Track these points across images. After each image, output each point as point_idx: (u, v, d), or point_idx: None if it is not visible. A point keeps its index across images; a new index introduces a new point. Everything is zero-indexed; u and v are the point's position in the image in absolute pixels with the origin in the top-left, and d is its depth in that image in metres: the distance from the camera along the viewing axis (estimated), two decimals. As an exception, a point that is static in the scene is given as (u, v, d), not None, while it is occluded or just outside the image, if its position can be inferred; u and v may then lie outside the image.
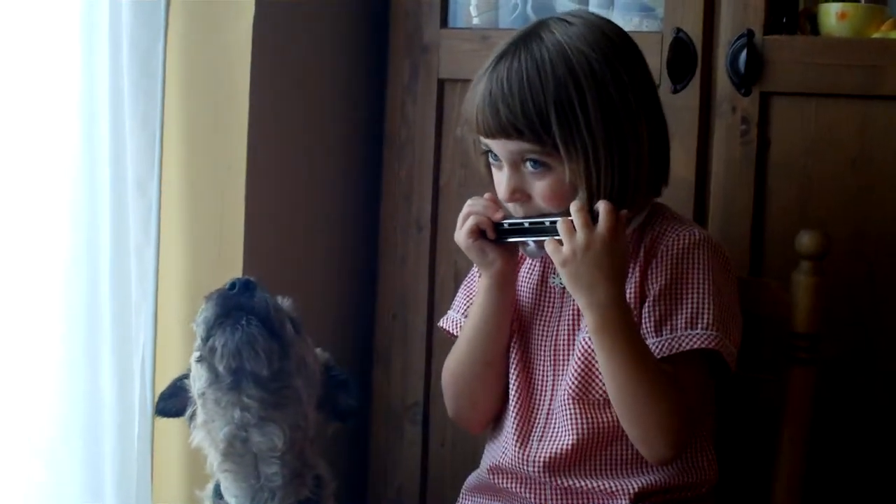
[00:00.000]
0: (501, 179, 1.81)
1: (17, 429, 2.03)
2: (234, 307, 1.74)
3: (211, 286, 2.22)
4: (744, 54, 2.10)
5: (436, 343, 2.38)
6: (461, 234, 1.84)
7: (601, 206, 1.72)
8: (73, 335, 2.10)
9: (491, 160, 1.84)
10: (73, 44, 2.07)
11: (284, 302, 1.83)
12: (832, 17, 2.11)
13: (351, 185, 2.49)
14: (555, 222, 1.74)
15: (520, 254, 1.92)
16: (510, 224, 1.82)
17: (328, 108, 2.45)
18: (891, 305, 2.05)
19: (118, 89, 2.13)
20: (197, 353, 1.77)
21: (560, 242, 1.73)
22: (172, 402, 1.88)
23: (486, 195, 1.85)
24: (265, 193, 2.28)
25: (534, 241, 1.81)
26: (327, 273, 2.47)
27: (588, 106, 1.74)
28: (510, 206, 1.83)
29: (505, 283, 1.87)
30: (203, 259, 2.26)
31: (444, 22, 2.40)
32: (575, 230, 1.72)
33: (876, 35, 2.09)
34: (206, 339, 1.74)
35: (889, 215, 2.04)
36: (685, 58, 2.16)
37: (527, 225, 1.80)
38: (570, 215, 1.73)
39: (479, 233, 1.83)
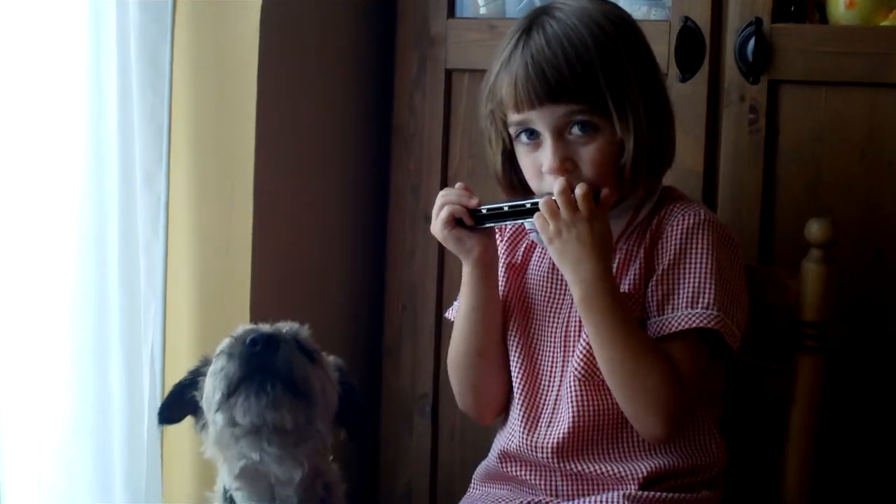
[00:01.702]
0: (543, 154, 1.81)
1: (27, 427, 2.04)
2: (257, 369, 1.71)
3: (219, 281, 2.24)
4: (752, 43, 2.09)
5: (445, 335, 2.38)
6: (437, 225, 1.85)
7: (577, 191, 1.74)
8: (82, 331, 2.10)
9: (525, 141, 1.83)
10: (81, 38, 2.08)
11: (301, 330, 1.81)
12: (840, 5, 2.10)
13: (359, 177, 2.49)
14: (535, 204, 1.77)
15: (527, 241, 1.94)
16: (488, 209, 1.83)
17: (336, 101, 2.45)
18: (900, 293, 2.05)
19: (126, 83, 2.13)
20: (216, 405, 1.73)
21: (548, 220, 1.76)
22: (174, 410, 1.86)
23: (459, 184, 1.86)
24: (273, 187, 2.28)
25: (513, 223, 1.86)
26: (336, 266, 2.47)
27: (625, 63, 1.78)
28: (548, 181, 1.81)
29: (487, 270, 1.88)
30: (211, 253, 2.26)
31: (451, 12, 2.40)
32: (558, 209, 1.74)
33: (884, 23, 2.08)
34: (227, 397, 1.72)
35: (898, 202, 2.04)
36: (693, 46, 2.15)
37: (506, 209, 1.82)
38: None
39: (454, 222, 1.84)
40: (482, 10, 2.41)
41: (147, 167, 2.18)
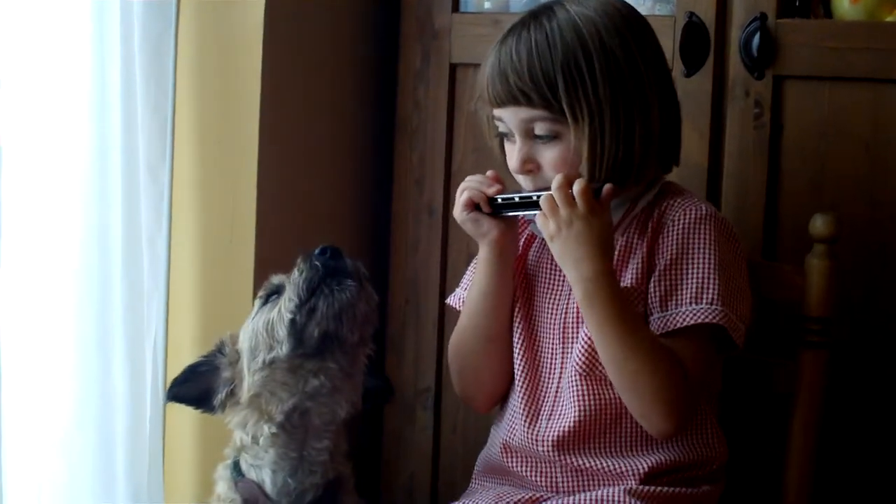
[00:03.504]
0: (513, 152, 1.83)
1: (31, 418, 2.04)
2: (333, 271, 1.79)
3: (223, 273, 2.24)
4: (757, 38, 2.09)
5: (448, 328, 2.37)
6: (456, 208, 1.88)
7: (574, 187, 1.74)
8: (85, 325, 2.10)
9: (504, 134, 1.86)
10: (85, 31, 2.07)
11: (358, 265, 1.87)
12: (845, 0, 2.10)
13: (363, 171, 2.49)
14: (541, 197, 1.77)
15: (527, 232, 1.95)
16: (503, 199, 1.84)
17: (340, 94, 2.44)
18: (904, 288, 2.05)
19: (130, 76, 2.13)
20: (289, 315, 1.78)
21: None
22: (186, 387, 1.88)
23: (489, 172, 1.88)
24: (277, 180, 2.28)
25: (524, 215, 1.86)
26: (339, 259, 2.46)
27: (596, 73, 1.77)
28: (521, 179, 1.84)
29: (502, 255, 1.89)
30: (215, 246, 2.26)
31: (455, 6, 2.40)
32: (557, 206, 1.74)
33: (889, 18, 2.07)
34: (304, 301, 1.77)
35: (902, 198, 2.04)
36: (698, 42, 2.15)
37: (517, 199, 1.83)
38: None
39: (473, 206, 1.86)
40: (486, 5, 2.41)
41: (150, 161, 2.17)
